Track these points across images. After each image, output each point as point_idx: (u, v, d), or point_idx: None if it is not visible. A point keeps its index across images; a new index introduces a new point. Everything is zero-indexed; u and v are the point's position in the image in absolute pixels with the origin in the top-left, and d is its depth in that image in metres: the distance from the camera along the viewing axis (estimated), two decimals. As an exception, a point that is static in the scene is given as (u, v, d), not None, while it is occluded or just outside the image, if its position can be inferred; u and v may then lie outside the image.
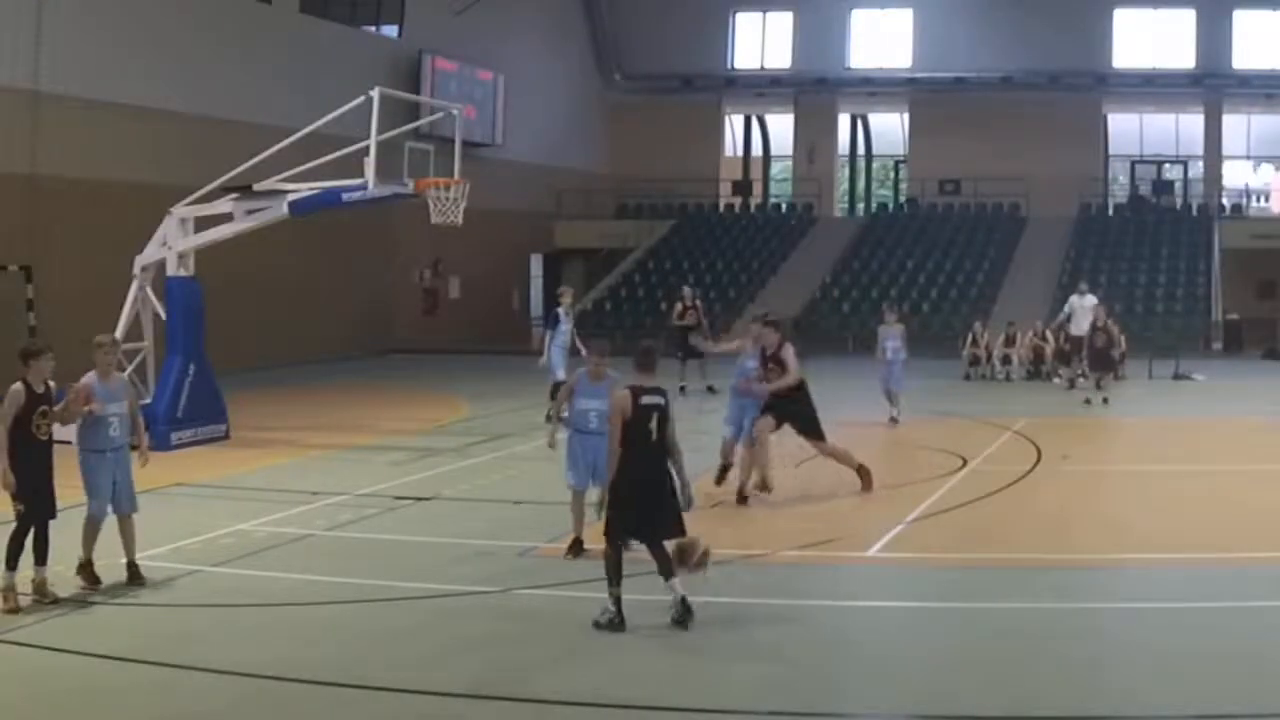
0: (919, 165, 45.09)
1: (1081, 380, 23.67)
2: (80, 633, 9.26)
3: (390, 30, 36.12)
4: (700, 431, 15.82)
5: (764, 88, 46.19)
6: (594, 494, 10.61)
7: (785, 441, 15.07)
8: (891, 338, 20.13)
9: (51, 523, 10.06)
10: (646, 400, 9.39)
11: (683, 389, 23.09)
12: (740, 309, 36.70)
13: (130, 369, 18.71)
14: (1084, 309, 25.38)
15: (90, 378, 10.50)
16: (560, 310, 20.61)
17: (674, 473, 9.42)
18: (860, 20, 45.34)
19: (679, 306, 25.58)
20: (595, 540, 11.29)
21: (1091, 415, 20.93)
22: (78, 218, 25.04)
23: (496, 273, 40.07)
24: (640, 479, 9.31)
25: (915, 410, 21.34)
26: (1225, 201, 42.55)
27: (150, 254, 18.84)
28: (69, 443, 18.25)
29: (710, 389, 23.95)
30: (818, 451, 14.65)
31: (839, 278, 39.39)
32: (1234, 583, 10.35)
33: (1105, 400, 22.37)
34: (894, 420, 19.85)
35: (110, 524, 10.57)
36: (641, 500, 9.31)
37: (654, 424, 9.38)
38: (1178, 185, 44.32)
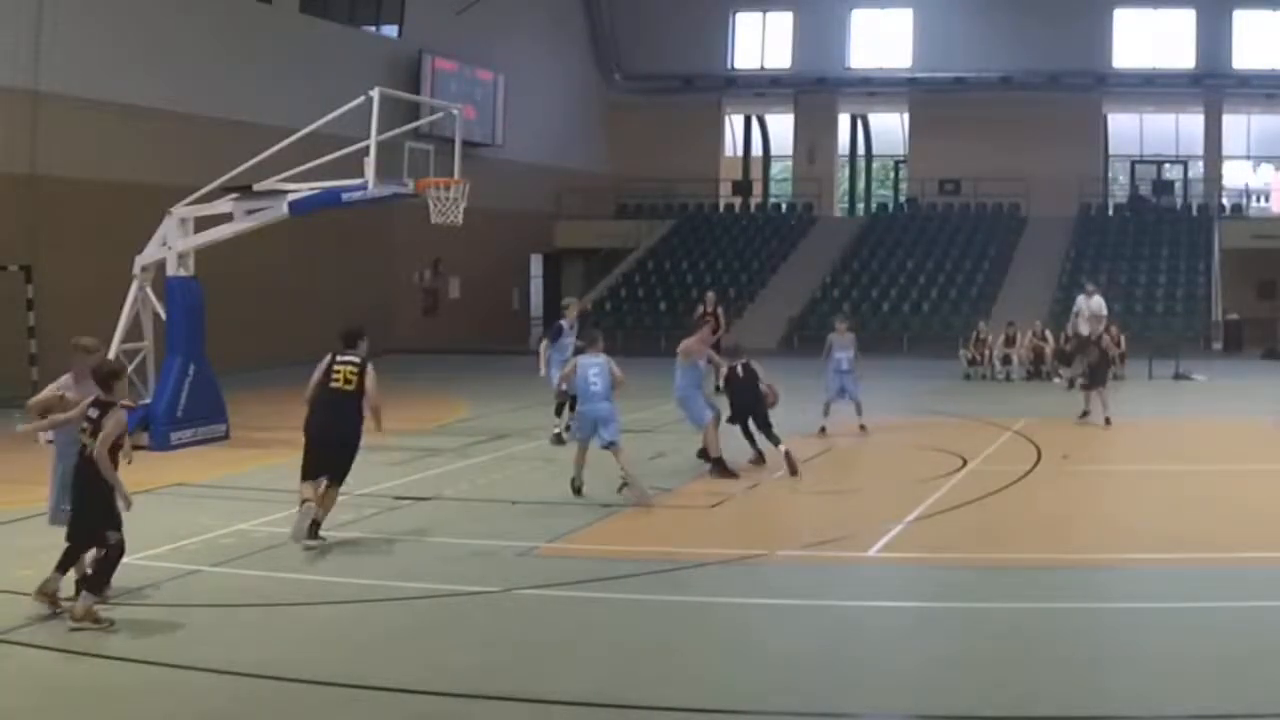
0: (919, 165, 45.09)
1: (1081, 381, 23.55)
2: (80, 633, 9.24)
3: (390, 30, 36.11)
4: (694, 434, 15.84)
5: (764, 88, 46.18)
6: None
7: (783, 440, 15.06)
8: (844, 348, 19.10)
9: (29, 526, 9.83)
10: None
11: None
12: (740, 309, 36.72)
13: (130, 369, 18.74)
14: (1089, 310, 25.39)
15: (67, 381, 10.22)
16: (564, 323, 19.17)
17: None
18: (860, 20, 45.33)
19: (700, 310, 24.08)
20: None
21: (1091, 416, 20.89)
22: (78, 218, 25.04)
23: (496, 273, 40.06)
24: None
25: (915, 410, 21.36)
26: (1225, 201, 42.54)
27: (150, 254, 18.84)
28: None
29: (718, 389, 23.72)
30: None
31: (839, 278, 39.39)
32: (1234, 583, 10.35)
33: (1086, 414, 20.23)
34: (862, 428, 19.05)
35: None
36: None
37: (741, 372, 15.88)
38: (1178, 185, 44.31)
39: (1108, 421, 19.64)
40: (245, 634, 9.39)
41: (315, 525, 11.93)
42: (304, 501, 11.90)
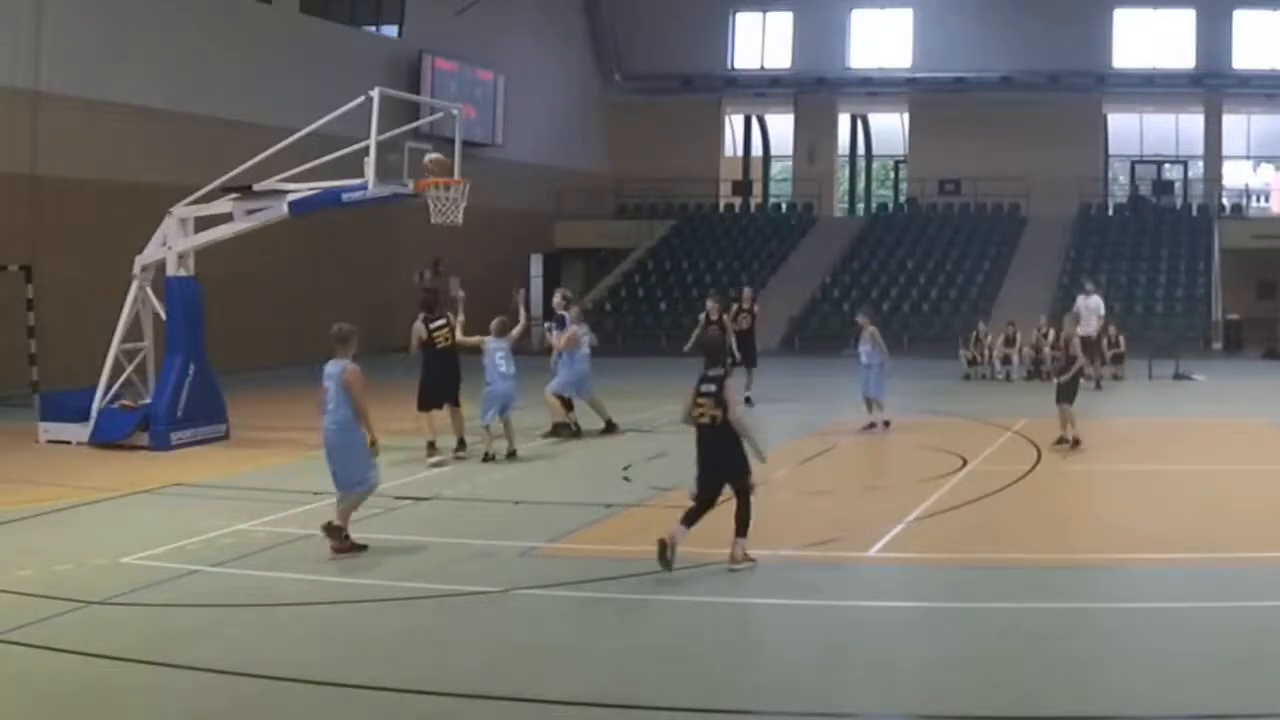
0: (919, 165, 45.12)
1: (1083, 381, 23.48)
2: (80, 633, 9.25)
3: (390, 30, 36.14)
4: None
5: (764, 88, 46.22)
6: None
7: (784, 439, 15.06)
8: (864, 342, 19.27)
9: (48, 520, 10.01)
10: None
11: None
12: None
13: (130, 369, 18.75)
14: (1088, 309, 25.40)
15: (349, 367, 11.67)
16: (568, 314, 19.93)
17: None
18: (860, 20, 45.38)
19: (734, 308, 23.38)
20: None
21: (1091, 416, 20.88)
22: (78, 218, 25.04)
23: (496, 273, 40.00)
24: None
25: (915, 410, 21.33)
26: (1225, 201, 42.58)
27: (150, 254, 18.84)
28: (68, 442, 18.35)
29: (748, 400, 23.22)
30: None
31: (839, 278, 39.41)
32: (1234, 583, 10.34)
33: (1075, 442, 17.27)
34: (885, 424, 19.14)
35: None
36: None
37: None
38: (1178, 185, 44.36)
39: (1075, 442, 17.13)
40: (245, 634, 9.39)
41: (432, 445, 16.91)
42: (429, 445, 16.95)
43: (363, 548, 11.56)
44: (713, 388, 10.80)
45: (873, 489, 15.45)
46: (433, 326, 17.35)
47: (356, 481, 11.68)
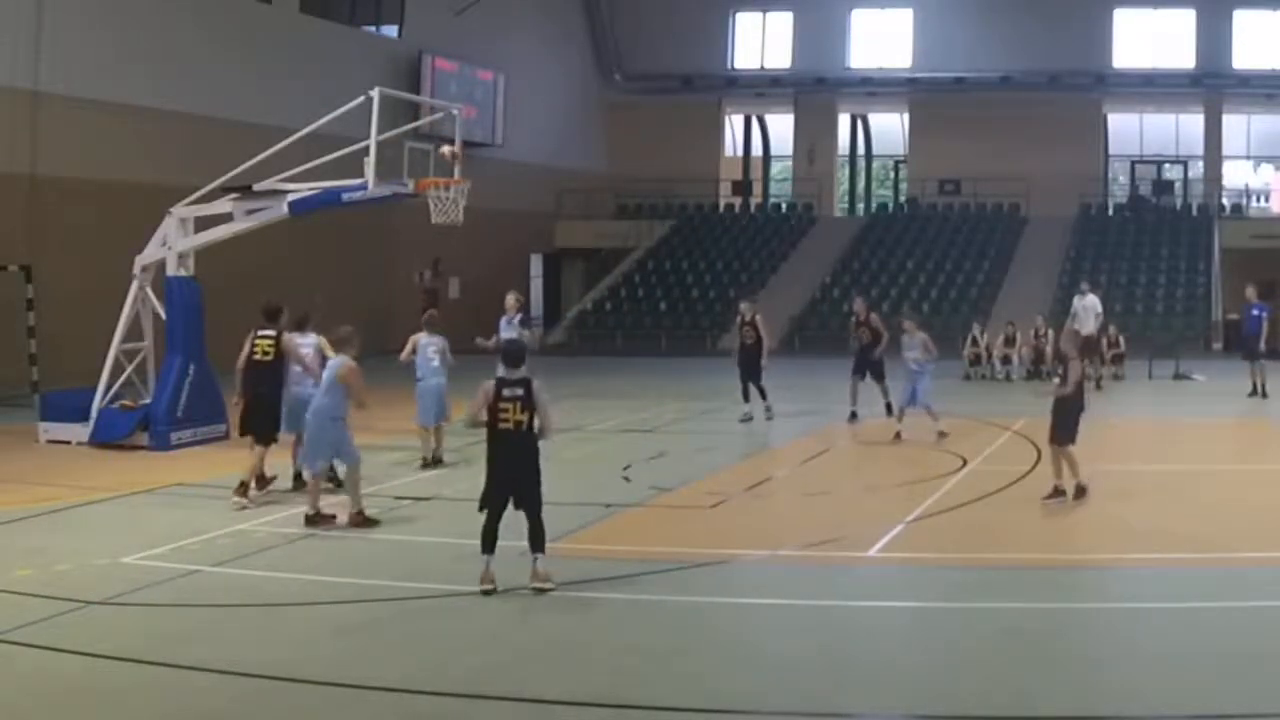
0: (919, 165, 45.12)
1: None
2: (80, 633, 9.25)
3: (390, 30, 36.14)
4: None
5: (764, 88, 46.22)
6: None
7: (784, 440, 15.07)
8: (911, 348, 18.23)
9: (48, 520, 10.02)
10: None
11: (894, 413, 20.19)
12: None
13: (130, 369, 18.75)
14: (1085, 309, 25.43)
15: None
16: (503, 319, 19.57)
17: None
18: (860, 20, 45.38)
19: (851, 322, 21.52)
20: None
21: (1091, 416, 20.84)
22: (78, 218, 25.04)
23: (496, 273, 40.00)
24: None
25: (916, 410, 21.31)
26: (1225, 201, 42.57)
27: (150, 254, 18.84)
28: (68, 442, 18.35)
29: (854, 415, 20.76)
30: None
31: (839, 278, 39.40)
32: (1234, 583, 10.34)
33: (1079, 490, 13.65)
34: (897, 436, 18.18)
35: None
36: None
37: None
38: (1178, 185, 44.35)
39: (1080, 491, 13.56)
40: (245, 634, 9.38)
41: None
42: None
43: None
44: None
45: (873, 489, 15.44)
46: (260, 335, 15.19)
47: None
